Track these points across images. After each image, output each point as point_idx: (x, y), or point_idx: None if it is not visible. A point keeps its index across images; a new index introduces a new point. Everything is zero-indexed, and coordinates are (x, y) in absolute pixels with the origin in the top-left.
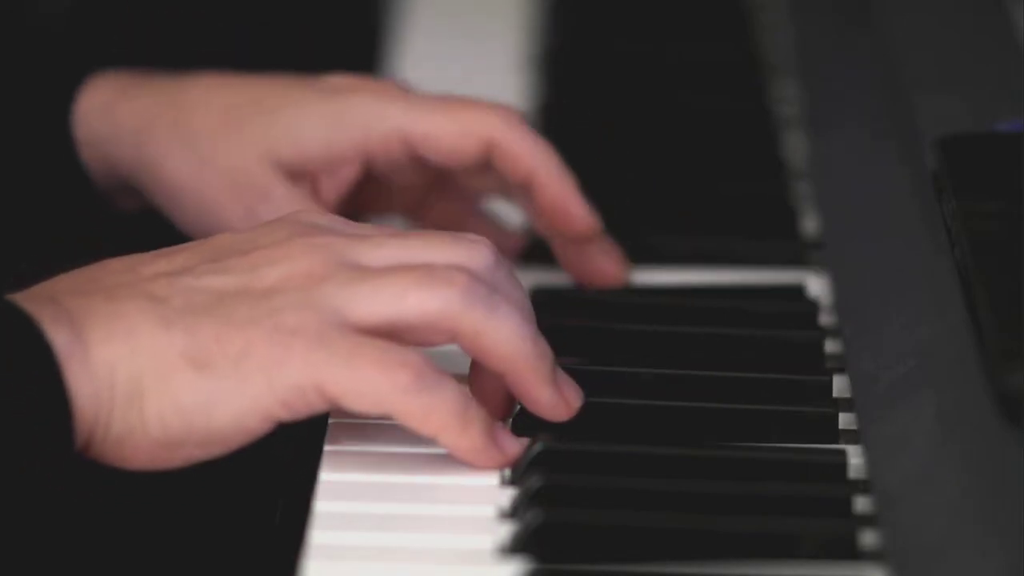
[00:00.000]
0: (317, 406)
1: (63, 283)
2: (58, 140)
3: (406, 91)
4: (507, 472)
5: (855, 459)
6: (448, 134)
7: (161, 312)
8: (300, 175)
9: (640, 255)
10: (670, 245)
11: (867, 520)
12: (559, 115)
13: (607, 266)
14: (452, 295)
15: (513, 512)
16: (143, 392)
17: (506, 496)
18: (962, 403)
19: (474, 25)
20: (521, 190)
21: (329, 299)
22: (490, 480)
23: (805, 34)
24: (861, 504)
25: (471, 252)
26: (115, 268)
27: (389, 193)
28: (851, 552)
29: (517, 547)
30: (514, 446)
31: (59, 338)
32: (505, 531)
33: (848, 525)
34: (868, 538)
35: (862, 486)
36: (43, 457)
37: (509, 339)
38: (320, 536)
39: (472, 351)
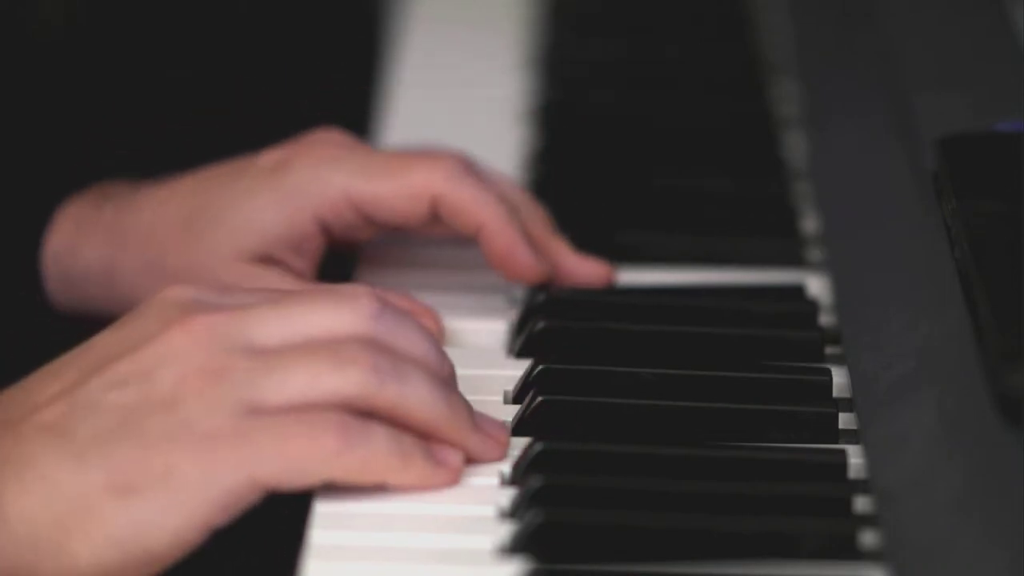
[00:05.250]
0: (252, 500)
1: None
2: (28, 285)
3: (348, 148)
4: (507, 472)
5: (855, 459)
6: (395, 197)
7: (71, 448)
8: (270, 260)
9: (639, 255)
10: (670, 244)
11: (867, 520)
12: (559, 115)
13: (586, 270)
14: (363, 376)
15: (513, 512)
16: (69, 534)
17: (506, 496)
18: (962, 403)
19: (474, 25)
20: (473, 239)
21: (236, 394)
22: (490, 480)
23: (805, 34)
24: (861, 504)
25: (355, 309)
26: (8, 397)
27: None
28: (851, 552)
29: (517, 547)
30: (456, 458)
31: None
32: (505, 531)
33: (848, 525)
34: (868, 538)
35: (862, 486)
36: None
37: (424, 403)
38: (320, 536)
39: (391, 421)
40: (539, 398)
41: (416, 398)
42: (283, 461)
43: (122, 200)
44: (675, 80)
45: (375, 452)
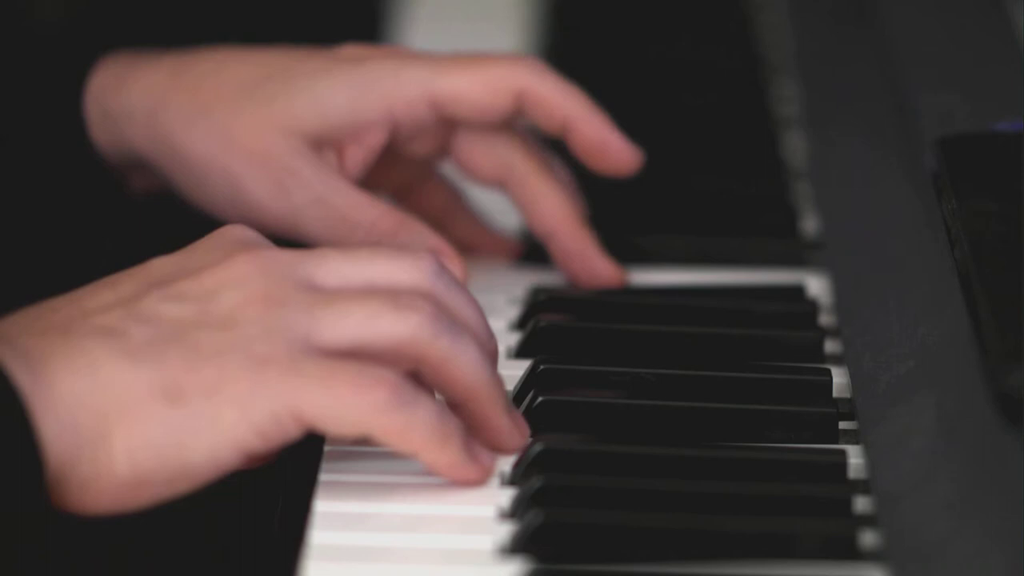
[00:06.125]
0: (292, 433)
1: (6, 325)
2: (70, 120)
3: (426, 54)
4: (507, 472)
5: (855, 459)
6: (478, 92)
7: (123, 346)
8: (326, 144)
9: (640, 255)
10: (670, 245)
11: (867, 520)
12: None
13: (603, 267)
14: (421, 321)
15: (513, 512)
16: (111, 430)
17: (506, 496)
18: (962, 403)
19: (474, 25)
20: (559, 135)
21: (294, 325)
22: (490, 480)
23: (805, 34)
24: (861, 504)
25: (416, 263)
26: (58, 305)
27: (382, 170)
28: (851, 552)
29: (517, 547)
30: (490, 459)
31: (21, 379)
32: (505, 531)
33: (848, 525)
34: (868, 538)
35: (862, 486)
36: (13, 508)
37: (471, 365)
38: (320, 536)
39: (436, 379)
40: (539, 398)
41: (465, 359)
42: (329, 399)
43: (187, 52)
44: (675, 80)
45: (419, 421)
